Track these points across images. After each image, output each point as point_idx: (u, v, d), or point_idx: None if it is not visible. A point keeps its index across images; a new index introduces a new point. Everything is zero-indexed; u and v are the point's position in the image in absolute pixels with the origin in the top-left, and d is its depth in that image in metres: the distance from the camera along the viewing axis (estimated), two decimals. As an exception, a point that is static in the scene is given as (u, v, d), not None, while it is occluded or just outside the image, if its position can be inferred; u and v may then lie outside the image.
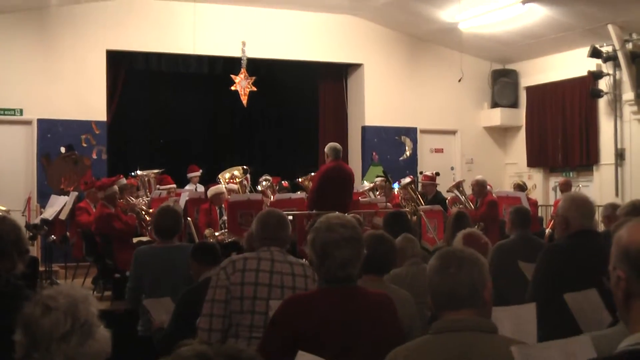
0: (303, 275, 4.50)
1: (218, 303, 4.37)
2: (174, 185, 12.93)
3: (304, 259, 7.02)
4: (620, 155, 14.83)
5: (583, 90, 15.44)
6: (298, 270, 4.51)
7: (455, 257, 2.95)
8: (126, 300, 6.97)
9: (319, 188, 10.84)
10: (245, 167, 13.57)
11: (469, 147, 17.74)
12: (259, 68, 15.56)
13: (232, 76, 14.61)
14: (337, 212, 4.22)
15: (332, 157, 10.90)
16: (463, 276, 2.88)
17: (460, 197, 12.70)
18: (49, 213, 11.92)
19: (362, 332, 3.59)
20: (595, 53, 14.35)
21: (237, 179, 12.97)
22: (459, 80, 15.81)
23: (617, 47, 14.08)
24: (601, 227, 8.00)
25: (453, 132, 17.76)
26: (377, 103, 16.95)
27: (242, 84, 14.60)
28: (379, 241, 4.95)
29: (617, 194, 14.55)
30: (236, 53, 14.95)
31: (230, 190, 12.16)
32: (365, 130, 17.02)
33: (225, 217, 11.32)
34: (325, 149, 11.09)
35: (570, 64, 15.78)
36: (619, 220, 5.86)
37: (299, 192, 12.73)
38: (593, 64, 14.75)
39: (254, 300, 4.37)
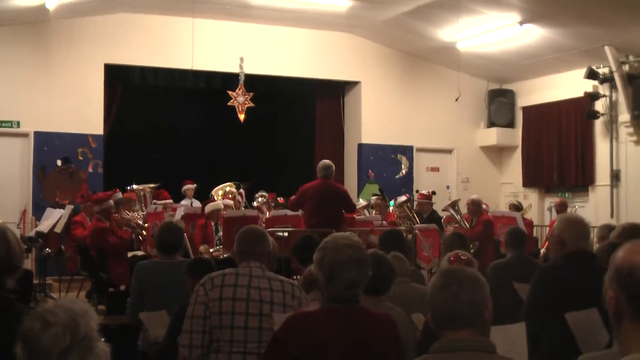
0: (281, 291, 4.56)
1: (197, 319, 4.46)
2: (170, 200, 12.93)
3: (297, 276, 7.02)
4: (615, 176, 14.87)
5: (579, 111, 15.49)
6: (276, 286, 4.58)
7: (458, 276, 2.96)
8: (126, 315, 6.95)
9: (296, 204, 11.10)
10: (237, 182, 13.58)
11: (465, 166, 17.77)
12: (257, 84, 15.57)
13: (229, 92, 14.63)
14: (339, 231, 4.23)
15: (319, 175, 10.99)
16: (465, 295, 2.88)
17: (456, 216, 12.71)
18: (45, 226, 11.90)
19: (363, 353, 3.58)
20: (591, 74, 14.42)
21: (230, 195, 12.99)
22: (456, 100, 15.85)
23: (614, 68, 14.14)
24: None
25: (449, 151, 17.79)
26: (374, 121, 16.99)
27: (239, 100, 14.63)
28: (376, 262, 4.93)
29: (612, 215, 14.58)
30: (234, 69, 14.99)
31: (227, 206, 12.17)
32: (361, 147, 17.04)
33: (221, 233, 11.32)
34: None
35: (566, 84, 15.84)
36: (604, 242, 5.90)
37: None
38: (589, 85, 14.80)
39: (232, 315, 4.45)
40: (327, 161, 11.18)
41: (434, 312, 2.95)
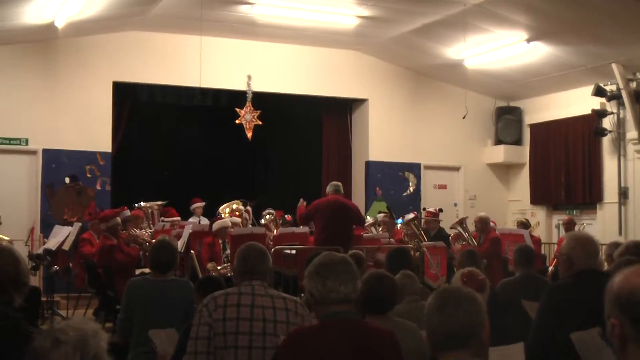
0: (284, 309, 4.53)
1: (201, 340, 4.42)
2: (178, 218, 12.94)
3: (303, 294, 7.01)
4: (623, 193, 14.84)
5: (587, 129, 15.49)
6: (279, 304, 4.55)
7: (454, 296, 2.92)
8: (116, 332, 6.87)
9: (307, 216, 11.34)
10: (244, 200, 13.59)
11: (473, 183, 17.75)
12: (264, 102, 15.60)
13: (237, 110, 14.66)
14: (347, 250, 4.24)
15: (329, 191, 11.17)
16: (462, 316, 2.85)
17: (463, 233, 12.69)
18: (52, 243, 11.92)
19: None
20: (599, 91, 14.41)
21: (237, 213, 13.00)
22: (464, 117, 15.86)
23: (621, 85, 14.14)
24: (605, 266, 8.00)
25: (456, 169, 17.78)
26: (381, 138, 17.00)
27: (246, 118, 14.67)
28: (378, 280, 4.93)
29: (620, 233, 14.53)
30: (241, 86, 15.02)
31: (234, 224, 12.17)
32: (369, 165, 17.04)
33: (228, 251, 11.32)
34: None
35: (574, 102, 15.84)
36: (615, 262, 5.88)
37: (302, 227, 12.73)
38: (597, 103, 14.80)
39: (236, 335, 4.42)
40: (335, 182, 11.44)
41: (430, 333, 2.93)
